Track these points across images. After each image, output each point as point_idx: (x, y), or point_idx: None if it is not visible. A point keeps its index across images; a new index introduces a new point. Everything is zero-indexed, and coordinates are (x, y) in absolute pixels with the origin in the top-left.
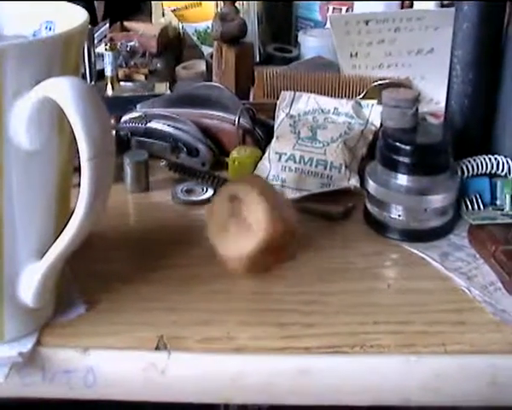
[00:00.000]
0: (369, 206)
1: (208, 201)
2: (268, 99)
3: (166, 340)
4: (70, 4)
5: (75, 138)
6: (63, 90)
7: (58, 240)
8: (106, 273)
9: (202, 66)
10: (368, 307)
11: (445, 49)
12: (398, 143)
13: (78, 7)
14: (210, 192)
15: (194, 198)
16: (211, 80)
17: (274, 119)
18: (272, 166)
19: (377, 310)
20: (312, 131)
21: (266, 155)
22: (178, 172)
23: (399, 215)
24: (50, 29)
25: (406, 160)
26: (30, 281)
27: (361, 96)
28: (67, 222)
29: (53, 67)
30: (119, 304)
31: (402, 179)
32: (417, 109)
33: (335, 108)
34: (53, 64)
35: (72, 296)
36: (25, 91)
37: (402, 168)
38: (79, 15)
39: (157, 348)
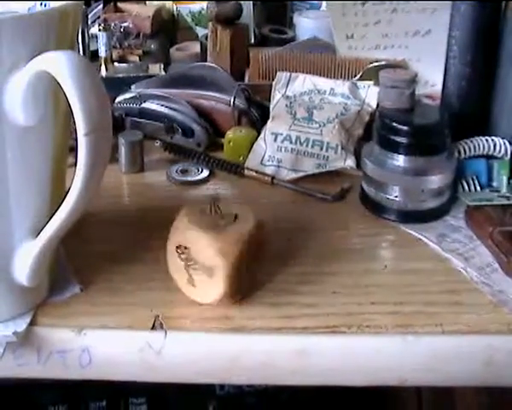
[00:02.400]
0: (365, 187)
1: (203, 181)
2: (263, 80)
3: (162, 320)
4: None
5: (71, 114)
6: (60, 64)
7: (54, 217)
8: (101, 253)
9: (196, 47)
10: (365, 288)
11: (441, 32)
12: (395, 124)
13: None
14: (205, 173)
15: (189, 178)
16: (205, 62)
17: (269, 100)
18: (268, 147)
19: (374, 290)
20: (308, 112)
21: (262, 135)
22: (173, 152)
23: (396, 196)
24: (45, 6)
25: (403, 140)
26: (25, 260)
27: (357, 77)
28: (63, 199)
29: (49, 41)
30: (114, 284)
31: (399, 160)
32: (414, 90)
33: (332, 89)
34: (49, 38)
35: (66, 276)
36: (21, 65)
37: (399, 149)
38: None
39: (153, 328)
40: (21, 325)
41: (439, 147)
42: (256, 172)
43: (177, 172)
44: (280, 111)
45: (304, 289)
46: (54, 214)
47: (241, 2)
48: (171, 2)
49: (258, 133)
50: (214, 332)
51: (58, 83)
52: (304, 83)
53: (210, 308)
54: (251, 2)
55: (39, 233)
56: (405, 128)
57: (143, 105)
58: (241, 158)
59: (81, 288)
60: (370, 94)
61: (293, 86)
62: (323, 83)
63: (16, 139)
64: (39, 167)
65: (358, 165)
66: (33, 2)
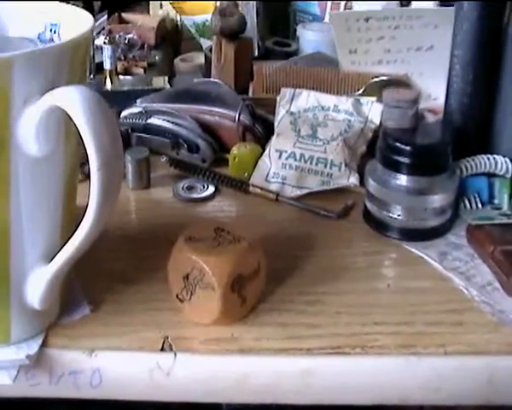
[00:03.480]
0: (368, 205)
1: (209, 198)
2: (267, 94)
3: (171, 341)
4: (74, 7)
5: (82, 144)
6: (72, 100)
7: (67, 245)
8: (109, 273)
9: (201, 58)
10: (368, 308)
11: (444, 47)
12: (398, 144)
13: (83, 10)
14: (211, 189)
15: (195, 196)
16: (209, 73)
17: (273, 114)
18: (273, 164)
19: (377, 310)
20: (313, 129)
21: (267, 152)
22: (179, 168)
23: (399, 215)
24: (55, 32)
25: (406, 160)
26: (37, 284)
27: (359, 92)
28: (77, 227)
29: (61, 74)
30: (123, 305)
31: (402, 179)
32: (417, 110)
33: (335, 106)
34: (61, 71)
35: (76, 297)
36: (34, 99)
37: (402, 168)
38: (84, 18)
39: (162, 349)
40: (34, 346)
41: (442, 167)
42: (261, 188)
43: (183, 189)
44: (284, 128)
45: (308, 309)
46: (66, 241)
47: (246, 2)
48: (174, 12)
49: (263, 149)
50: (221, 353)
51: (70, 118)
52: (308, 99)
53: (217, 329)
54: (255, 14)
55: (51, 258)
56: (408, 148)
57: (149, 120)
58: (246, 174)
59: (91, 309)
60: (373, 110)
61: (298, 102)
62: (327, 99)
63: (29, 169)
64: (51, 195)
65: (362, 182)
66: (43, 26)
